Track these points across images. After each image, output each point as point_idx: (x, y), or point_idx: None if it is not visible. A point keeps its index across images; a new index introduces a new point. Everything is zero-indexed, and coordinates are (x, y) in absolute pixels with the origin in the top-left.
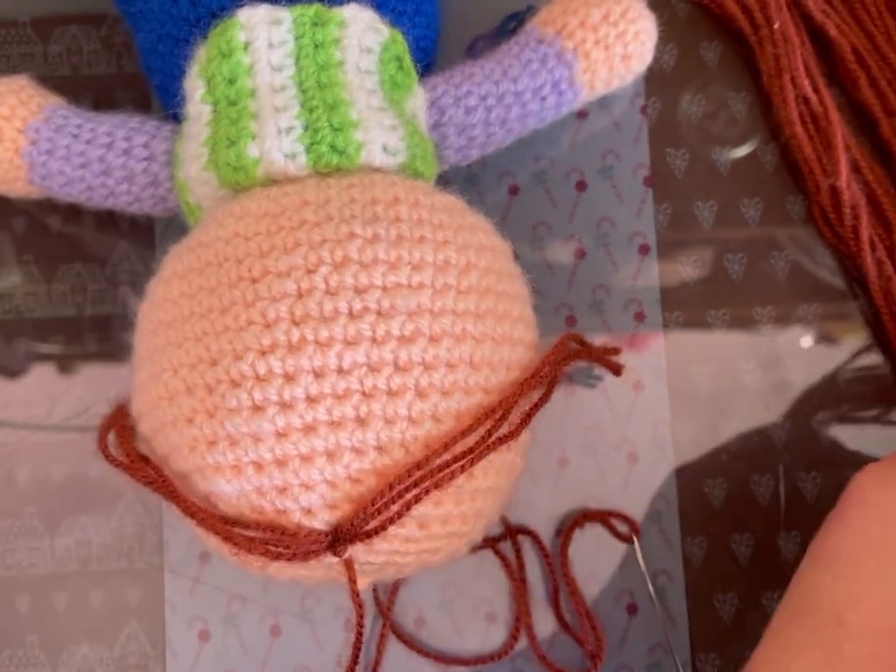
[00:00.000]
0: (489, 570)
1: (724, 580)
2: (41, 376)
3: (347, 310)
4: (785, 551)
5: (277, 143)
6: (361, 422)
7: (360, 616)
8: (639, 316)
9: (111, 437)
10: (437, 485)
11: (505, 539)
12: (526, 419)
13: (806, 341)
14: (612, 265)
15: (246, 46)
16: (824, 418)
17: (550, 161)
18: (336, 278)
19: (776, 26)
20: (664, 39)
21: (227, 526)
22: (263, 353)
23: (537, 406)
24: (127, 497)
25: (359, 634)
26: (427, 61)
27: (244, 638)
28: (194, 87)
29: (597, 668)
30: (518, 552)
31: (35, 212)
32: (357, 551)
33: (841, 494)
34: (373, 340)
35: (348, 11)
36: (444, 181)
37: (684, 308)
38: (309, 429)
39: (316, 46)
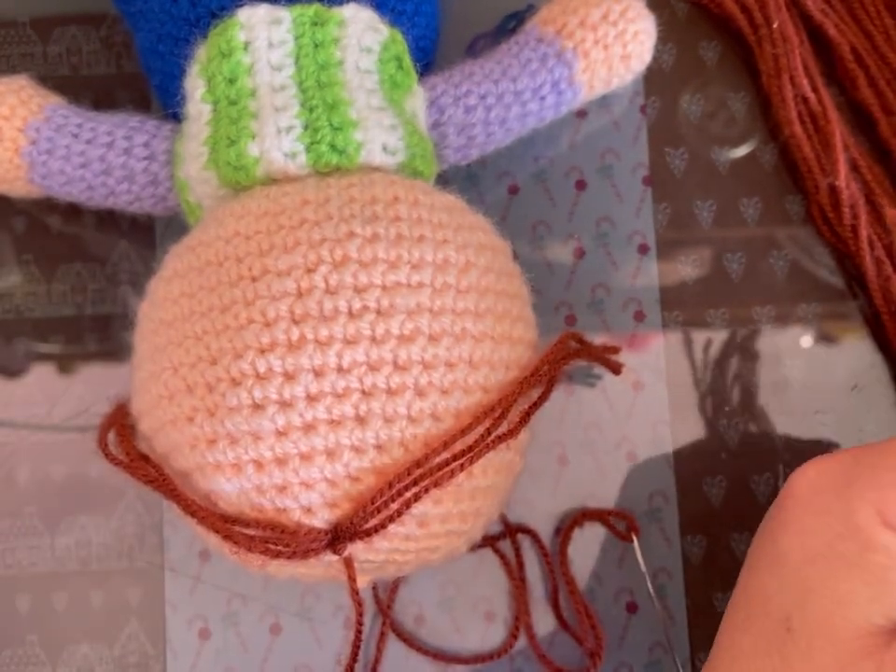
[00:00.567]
0: (489, 569)
1: (724, 578)
2: (41, 376)
3: (347, 309)
4: None
5: (277, 142)
6: (361, 421)
7: (360, 614)
8: (639, 316)
9: (111, 436)
10: (436, 484)
11: (504, 537)
12: (526, 418)
13: (806, 340)
14: (612, 264)
15: (246, 45)
16: (824, 418)
17: (549, 160)
18: (336, 277)
19: (774, 26)
20: (663, 39)
21: (227, 525)
22: (263, 351)
23: (536, 405)
24: (127, 496)
25: (359, 632)
26: (427, 60)
27: (244, 637)
28: (194, 86)
29: (597, 667)
30: (517, 550)
31: (35, 211)
32: (356, 549)
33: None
34: (373, 339)
35: (348, 11)
36: (444, 181)
37: (684, 308)
38: (309, 428)
39: (316, 45)
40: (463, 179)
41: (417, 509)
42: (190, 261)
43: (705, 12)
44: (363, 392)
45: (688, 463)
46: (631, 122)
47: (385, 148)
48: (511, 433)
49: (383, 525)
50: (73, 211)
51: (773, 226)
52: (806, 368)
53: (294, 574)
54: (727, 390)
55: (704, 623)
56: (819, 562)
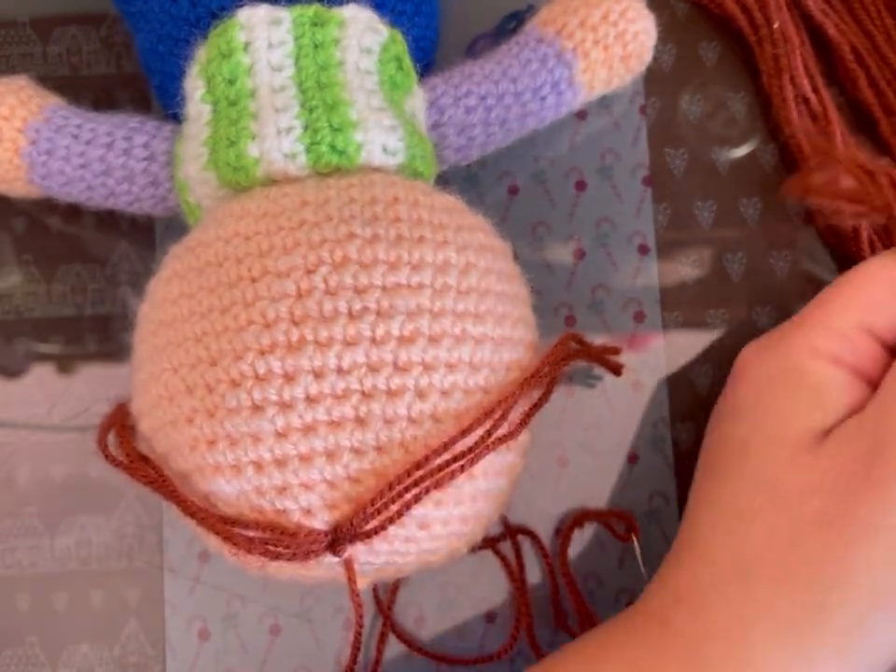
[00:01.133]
0: (489, 570)
1: None
2: (41, 376)
3: (347, 310)
4: None
5: (277, 143)
6: (361, 422)
7: (360, 616)
8: (639, 316)
9: (111, 436)
10: (437, 486)
11: (504, 538)
12: (526, 419)
13: None
14: (612, 265)
15: (246, 46)
16: None
17: (549, 161)
18: (336, 278)
19: (775, 26)
20: (663, 39)
21: (226, 526)
22: (263, 353)
23: (536, 406)
24: (127, 496)
25: (359, 633)
26: (427, 61)
27: (243, 638)
28: (194, 87)
29: None
30: (518, 551)
31: (35, 212)
32: (356, 551)
33: None
34: (373, 340)
35: (348, 11)
36: (444, 181)
37: (684, 308)
38: (308, 429)
39: (316, 46)
40: (463, 180)
41: (417, 510)
42: (190, 262)
43: (705, 12)
44: (363, 393)
45: (688, 463)
46: (631, 123)
47: (385, 149)
48: (512, 434)
49: (383, 527)
50: (73, 211)
51: (773, 226)
52: None
53: (294, 575)
54: None
55: None
56: (765, 394)
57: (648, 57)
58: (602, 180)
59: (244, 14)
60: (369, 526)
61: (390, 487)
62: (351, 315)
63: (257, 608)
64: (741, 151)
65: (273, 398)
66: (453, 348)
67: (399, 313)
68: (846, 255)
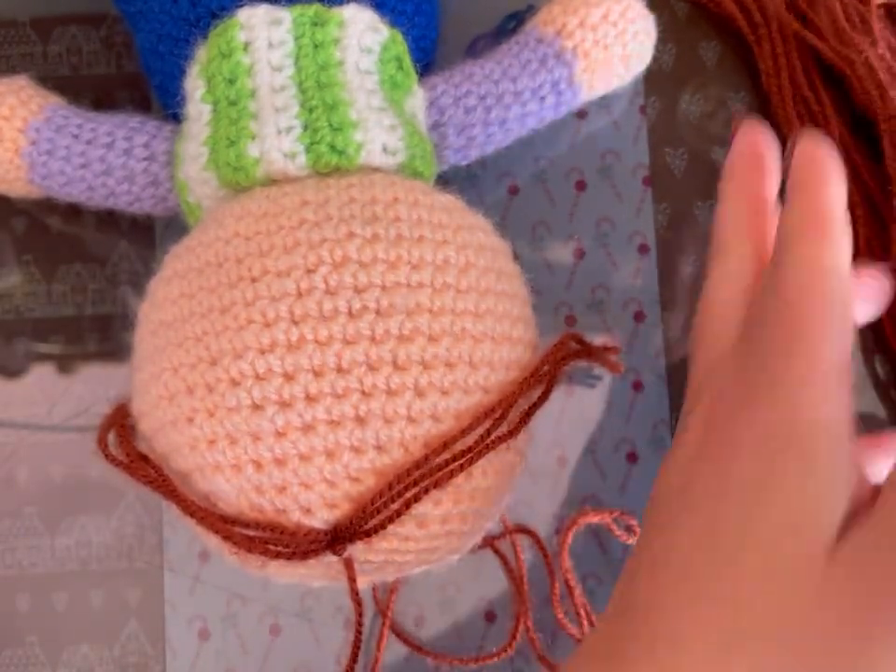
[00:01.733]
0: (488, 570)
1: None
2: (41, 376)
3: (347, 309)
4: None
5: (277, 143)
6: (360, 421)
7: (360, 615)
8: (639, 316)
9: (111, 436)
10: (436, 485)
11: (504, 538)
12: (526, 418)
13: None
14: (612, 265)
15: (246, 46)
16: None
17: (549, 161)
18: (335, 277)
19: (774, 25)
20: (663, 39)
21: (226, 525)
22: (263, 352)
23: (536, 405)
24: (127, 496)
25: (359, 633)
26: (427, 60)
27: (243, 637)
28: (194, 87)
29: None
30: (517, 551)
31: (35, 212)
32: (356, 550)
33: None
34: (372, 339)
35: (348, 11)
36: (444, 181)
37: (684, 308)
38: (308, 428)
39: (316, 46)
40: (463, 180)
41: (417, 509)
42: (190, 262)
43: (704, 12)
44: (363, 392)
45: None
46: (631, 123)
47: (385, 149)
48: (512, 434)
49: (382, 526)
50: (73, 211)
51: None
52: None
53: (294, 575)
54: None
55: None
56: (772, 473)
57: (648, 57)
58: (602, 180)
59: (244, 14)
60: (368, 525)
61: (390, 486)
62: (351, 314)
63: (257, 608)
64: None
65: (273, 396)
66: (452, 347)
67: (399, 311)
68: None
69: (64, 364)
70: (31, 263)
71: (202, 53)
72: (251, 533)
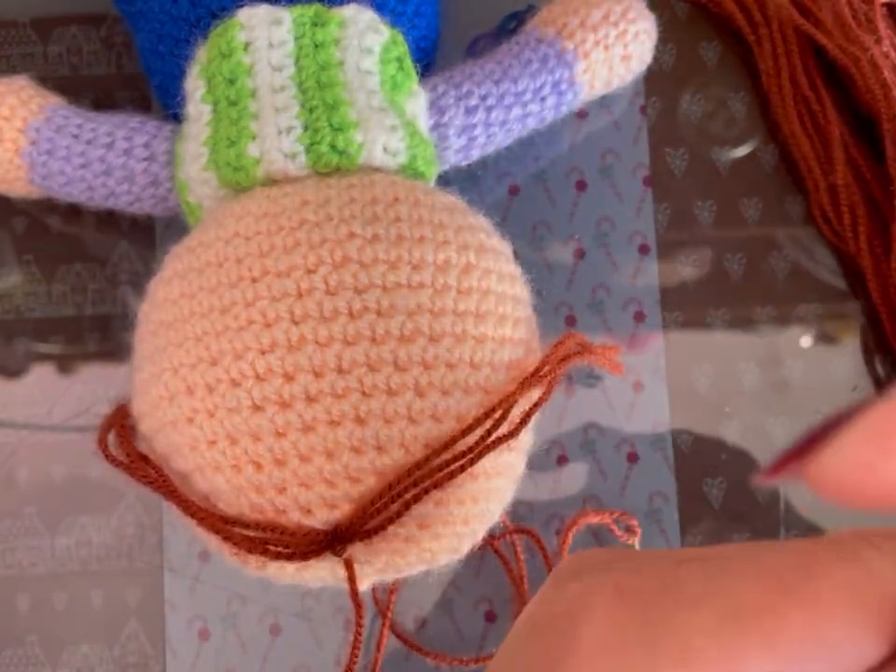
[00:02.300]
0: (489, 570)
1: None
2: (41, 376)
3: (347, 309)
4: None
5: (277, 143)
6: (360, 421)
7: (360, 616)
8: (639, 316)
9: (111, 437)
10: (437, 485)
11: (504, 538)
12: (526, 419)
13: (806, 340)
14: (612, 265)
15: (246, 46)
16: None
17: (550, 161)
18: (336, 278)
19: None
20: (663, 39)
21: (226, 526)
22: (263, 352)
23: (537, 406)
24: (127, 496)
25: (358, 633)
26: (427, 61)
27: (243, 637)
28: (194, 87)
29: None
30: (517, 551)
31: (36, 212)
32: (356, 550)
33: None
34: (373, 339)
35: (348, 11)
36: (444, 181)
37: (684, 308)
38: (308, 428)
39: (316, 46)
40: (463, 180)
41: (418, 510)
42: (190, 262)
43: (705, 12)
44: (363, 392)
45: (688, 463)
46: (631, 123)
47: (385, 149)
48: (512, 434)
49: (383, 527)
50: (73, 211)
51: (773, 226)
52: (806, 368)
53: (294, 576)
54: (727, 391)
55: None
56: None
57: (648, 57)
58: (602, 180)
59: (244, 14)
60: (369, 526)
61: (390, 487)
62: (351, 315)
63: (257, 608)
64: (741, 151)
65: (273, 397)
66: (453, 347)
67: (399, 312)
68: (846, 255)
69: (65, 364)
70: (31, 263)
71: (202, 53)
72: (251, 533)
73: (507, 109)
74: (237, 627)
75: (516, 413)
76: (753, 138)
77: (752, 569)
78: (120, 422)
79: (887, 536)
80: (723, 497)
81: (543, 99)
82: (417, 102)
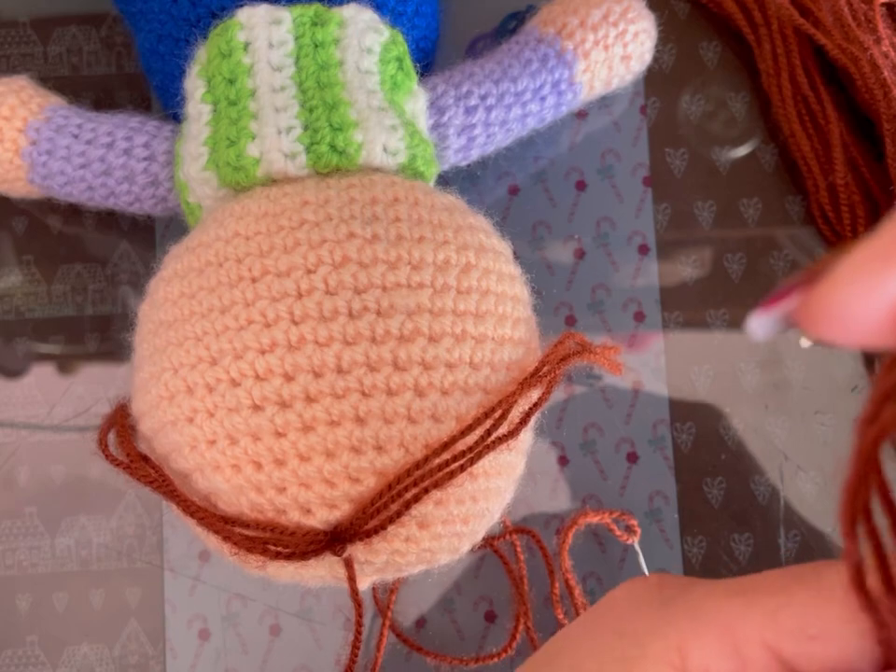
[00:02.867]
0: (489, 570)
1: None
2: (41, 376)
3: (347, 309)
4: (785, 550)
5: (277, 143)
6: (360, 421)
7: (360, 615)
8: (639, 316)
9: (111, 436)
10: (436, 485)
11: (504, 538)
12: (526, 419)
13: (806, 340)
14: (612, 265)
15: (246, 46)
16: (824, 418)
17: (550, 161)
18: (335, 278)
19: (774, 25)
20: (663, 39)
21: (226, 525)
22: (263, 352)
23: (536, 406)
24: (127, 496)
25: (358, 633)
26: (427, 61)
27: (243, 637)
28: (194, 87)
29: None
30: (518, 551)
31: (36, 212)
32: (356, 550)
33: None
34: (373, 339)
35: (348, 11)
36: (444, 181)
37: (684, 308)
38: (308, 428)
39: (316, 46)
40: (463, 180)
41: (418, 510)
42: (190, 262)
43: (705, 12)
44: (362, 392)
45: (688, 463)
46: (631, 123)
47: (385, 149)
48: (512, 434)
49: (382, 526)
50: (73, 211)
51: (773, 226)
52: (806, 368)
53: (294, 575)
54: (727, 391)
55: None
56: None
57: (648, 57)
58: (602, 180)
59: (244, 14)
60: (368, 526)
61: (390, 486)
62: (351, 315)
63: (257, 608)
64: (741, 151)
65: (273, 396)
66: (453, 347)
67: (399, 312)
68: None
69: (65, 364)
70: (31, 263)
71: (202, 53)
72: (251, 533)
73: (507, 109)
74: (237, 627)
75: (516, 413)
76: (753, 138)
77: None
78: (120, 422)
79: None
80: (723, 497)
81: (543, 99)
82: (417, 102)
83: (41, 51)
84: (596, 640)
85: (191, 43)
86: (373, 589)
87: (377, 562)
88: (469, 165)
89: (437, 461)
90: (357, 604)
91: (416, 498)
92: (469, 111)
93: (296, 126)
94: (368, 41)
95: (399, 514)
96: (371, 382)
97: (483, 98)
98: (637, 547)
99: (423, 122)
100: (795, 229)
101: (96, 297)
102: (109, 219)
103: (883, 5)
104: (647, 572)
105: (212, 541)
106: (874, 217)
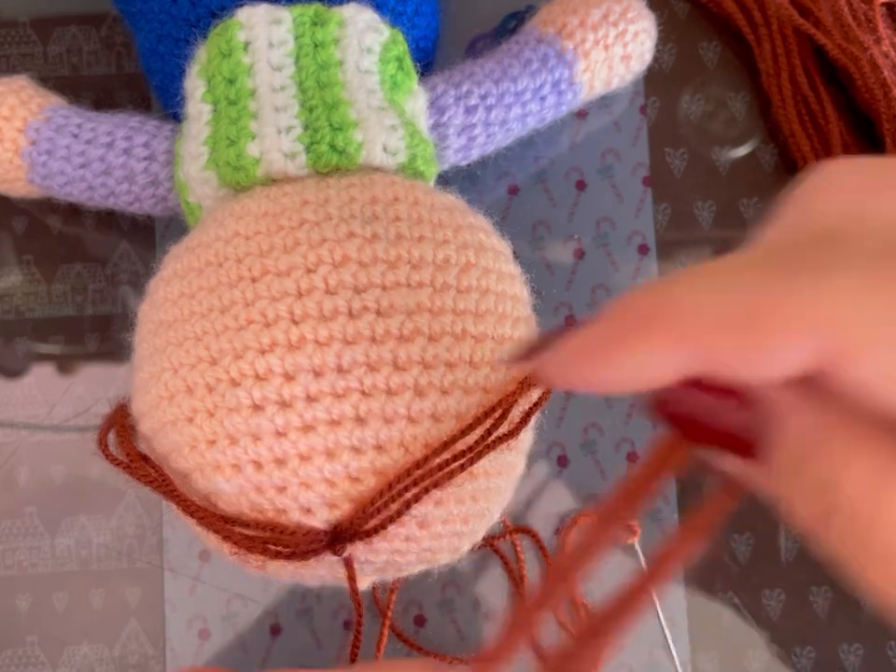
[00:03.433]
0: (489, 569)
1: (724, 579)
2: (41, 376)
3: (346, 309)
4: (785, 550)
5: (277, 142)
6: (360, 421)
7: (359, 615)
8: None
9: (111, 436)
10: (437, 485)
11: (505, 537)
12: (526, 419)
13: None
14: (612, 265)
15: (246, 45)
16: None
17: (550, 160)
18: (335, 277)
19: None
20: (663, 39)
21: (226, 525)
22: (263, 352)
23: (537, 405)
24: (127, 496)
25: (358, 633)
26: (427, 61)
27: (244, 637)
28: (194, 86)
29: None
30: (518, 551)
31: (36, 212)
32: (356, 550)
33: None
34: (372, 339)
35: (348, 11)
36: (444, 181)
37: None
38: (308, 428)
39: (316, 45)
40: (463, 179)
41: (418, 510)
42: (190, 262)
43: (705, 12)
44: (363, 392)
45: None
46: (631, 122)
47: (385, 149)
48: (512, 434)
49: (383, 526)
50: (73, 211)
51: None
52: None
53: (294, 575)
54: None
55: (704, 624)
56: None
57: (648, 57)
58: (602, 180)
59: (244, 13)
60: (369, 525)
61: (390, 486)
62: (351, 314)
63: (257, 607)
64: (741, 151)
65: (273, 396)
66: (452, 347)
67: (399, 311)
68: None
69: (65, 364)
70: (31, 263)
71: (202, 53)
72: (251, 533)
73: (507, 109)
74: (237, 627)
75: (516, 413)
76: (753, 138)
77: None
78: (120, 422)
79: None
80: None
81: (543, 98)
82: (417, 101)
83: (41, 51)
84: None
85: (191, 43)
86: (373, 589)
87: (377, 561)
88: (468, 165)
89: (437, 461)
90: (357, 603)
91: (416, 498)
92: (469, 111)
93: (296, 126)
94: (368, 41)
95: (399, 514)
96: (371, 382)
97: (484, 98)
98: (637, 547)
99: (423, 122)
100: None
101: (96, 297)
102: (109, 219)
103: (883, 4)
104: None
105: (212, 541)
106: None
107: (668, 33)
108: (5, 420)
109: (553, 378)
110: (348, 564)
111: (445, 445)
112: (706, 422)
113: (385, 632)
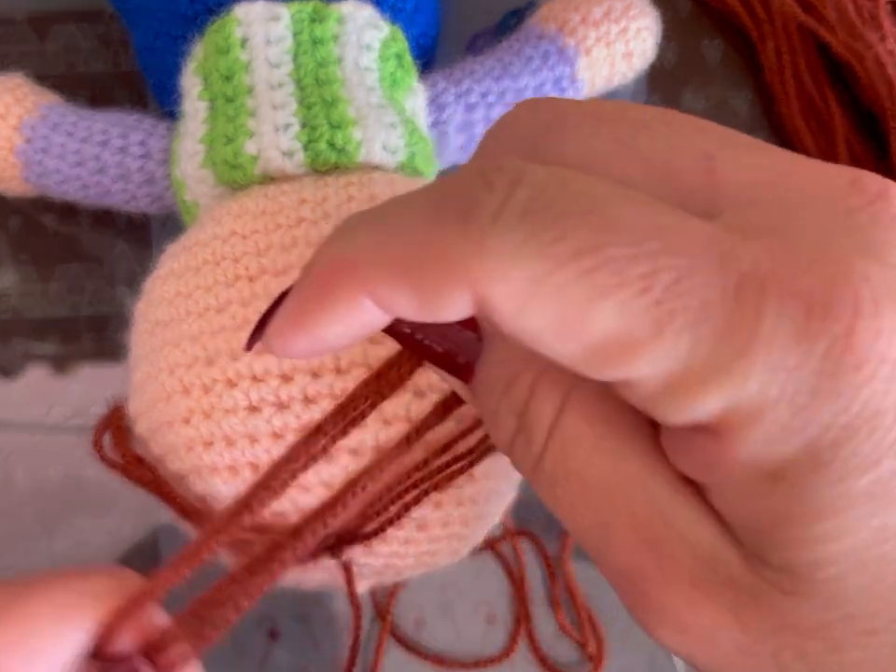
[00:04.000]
0: (489, 572)
1: None
2: (38, 376)
3: None
4: None
5: (275, 140)
6: None
7: (358, 618)
8: None
9: (107, 438)
10: (436, 487)
11: (505, 540)
12: None
13: None
14: None
15: (244, 42)
16: None
17: None
18: None
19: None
20: (665, 36)
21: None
22: (260, 352)
23: None
24: (124, 498)
25: (357, 636)
26: (427, 58)
27: (242, 641)
28: (191, 84)
29: (598, 671)
30: (519, 553)
31: (31, 211)
32: (355, 553)
33: None
34: (371, 338)
35: (347, 7)
36: None
37: None
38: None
39: (314, 42)
40: None
41: (417, 512)
42: (187, 261)
43: (707, 9)
44: None
45: None
46: None
47: (384, 147)
48: None
49: (382, 529)
50: (69, 210)
51: None
52: None
53: (292, 580)
54: None
55: None
56: None
57: (651, 54)
58: None
59: (241, 10)
60: (367, 528)
61: (389, 489)
62: None
63: (255, 611)
64: None
65: (270, 398)
66: None
67: None
68: None
69: (61, 364)
70: (27, 263)
71: (198, 50)
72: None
73: (507, 106)
74: (236, 630)
75: None
76: (756, 136)
77: None
78: (116, 423)
79: None
80: None
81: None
82: (417, 99)
83: (37, 49)
84: None
85: (188, 40)
86: (373, 592)
87: (376, 565)
88: None
89: (437, 463)
90: (356, 607)
91: (416, 501)
92: (470, 108)
93: (294, 123)
94: (367, 38)
95: (398, 517)
96: None
97: (484, 95)
98: None
99: (422, 120)
100: None
101: (93, 297)
102: (105, 218)
103: (888, 2)
104: None
105: None
106: None
107: (671, 30)
108: (1, 421)
109: (279, 351)
110: (347, 567)
111: (445, 447)
112: (426, 343)
113: (385, 635)
